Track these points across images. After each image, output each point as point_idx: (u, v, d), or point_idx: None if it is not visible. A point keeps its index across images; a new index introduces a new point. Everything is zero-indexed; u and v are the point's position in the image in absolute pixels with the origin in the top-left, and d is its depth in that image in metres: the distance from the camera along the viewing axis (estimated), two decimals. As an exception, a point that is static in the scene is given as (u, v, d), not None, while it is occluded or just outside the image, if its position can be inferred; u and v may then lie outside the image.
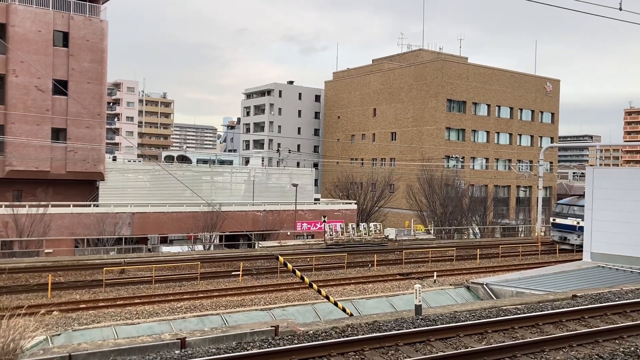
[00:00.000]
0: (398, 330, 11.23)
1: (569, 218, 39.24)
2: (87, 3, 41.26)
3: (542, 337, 11.00)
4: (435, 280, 26.16)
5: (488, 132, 71.00)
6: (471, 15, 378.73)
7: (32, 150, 38.36)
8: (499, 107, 71.91)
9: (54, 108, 39.49)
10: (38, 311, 15.65)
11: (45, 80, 38.84)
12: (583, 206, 38.59)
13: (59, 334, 15.75)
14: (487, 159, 70.72)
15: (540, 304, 15.08)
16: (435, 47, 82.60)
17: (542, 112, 76.56)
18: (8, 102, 37.85)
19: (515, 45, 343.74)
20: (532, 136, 75.49)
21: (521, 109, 74.24)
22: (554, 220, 40.90)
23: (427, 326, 11.67)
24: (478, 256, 34.02)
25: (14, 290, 22.06)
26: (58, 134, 39.97)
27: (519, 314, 13.20)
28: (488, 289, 23.05)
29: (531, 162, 73.84)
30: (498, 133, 72.02)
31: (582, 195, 42.12)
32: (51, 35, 39.36)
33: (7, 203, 36.39)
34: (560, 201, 43.63)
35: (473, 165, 69.15)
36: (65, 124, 39.97)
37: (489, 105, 70.76)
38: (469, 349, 10.24)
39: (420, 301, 13.75)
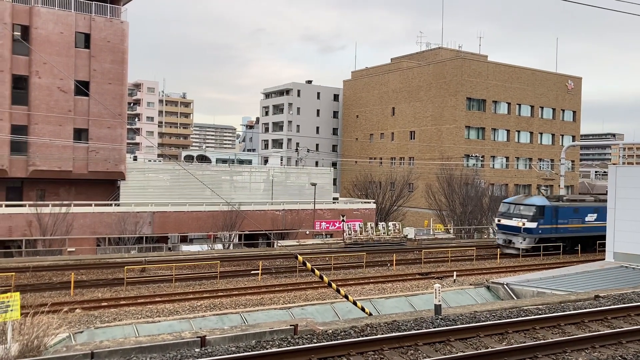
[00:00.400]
0: (417, 330, 11.19)
1: (514, 219, 35.37)
2: (108, 5, 41.77)
3: (564, 338, 10.87)
4: (454, 280, 25.99)
5: (508, 131, 70.30)
6: (491, 14, 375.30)
7: (54, 151, 38.95)
8: (520, 105, 71.15)
9: (76, 109, 40.05)
10: (61, 309, 15.88)
11: (67, 82, 39.41)
12: (530, 205, 35.30)
13: (81, 332, 15.97)
14: (507, 158, 70.03)
15: (562, 304, 14.91)
16: (455, 45, 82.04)
17: (563, 110, 75.59)
18: (31, 103, 38.50)
19: (536, 43, 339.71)
20: (553, 135, 74.58)
21: (542, 107, 73.35)
22: (498, 221, 36.99)
23: (447, 326, 11.61)
24: (498, 256, 33.71)
25: (37, 288, 22.41)
26: (80, 134, 40.54)
27: (540, 314, 13.06)
28: (509, 289, 22.83)
29: (552, 160, 72.93)
30: (518, 131, 71.27)
31: (529, 194, 39.93)
32: (73, 37, 39.92)
33: (31, 202, 37.01)
34: (505, 200, 39.44)
35: (493, 164, 68.54)
36: (87, 125, 40.52)
37: (509, 104, 70.05)
38: (490, 349, 10.16)
39: (439, 301, 13.68)
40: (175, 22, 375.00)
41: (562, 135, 75.22)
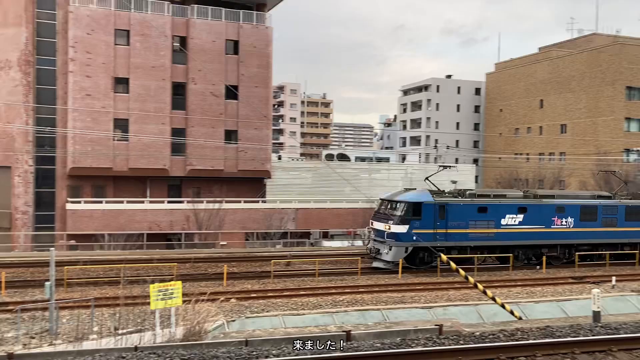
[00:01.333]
0: (574, 337, 10.44)
1: (382, 221, 27.01)
2: (254, 12, 44.17)
3: None
4: (613, 286, 23.84)
5: (678, 122, 62.91)
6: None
7: (208, 151, 42.05)
8: (692, 92, 63.28)
9: (227, 111, 42.89)
10: (217, 298, 17.08)
11: (218, 86, 42.38)
12: (400, 202, 26.61)
13: (233, 320, 17.06)
14: (676, 152, 62.66)
15: None
16: (611, 30, 75.08)
17: None
18: (188, 107, 41.93)
19: None
20: None
21: None
22: (371, 224, 28.62)
23: (608, 334, 10.69)
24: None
25: (195, 278, 24.33)
26: (230, 135, 43.37)
27: None
28: (680, 297, 20.44)
29: None
30: (691, 122, 63.47)
31: (411, 188, 29.65)
32: (223, 45, 42.81)
33: (189, 199, 40.39)
34: (383, 195, 29.72)
35: (659, 159, 61.74)
36: (236, 126, 43.25)
37: (678, 91, 62.63)
38: (661, 364, 9.19)
39: (598, 307, 12.65)
40: (317, 24, 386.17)
41: None
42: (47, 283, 15.90)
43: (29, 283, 22.47)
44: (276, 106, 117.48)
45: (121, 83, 40.12)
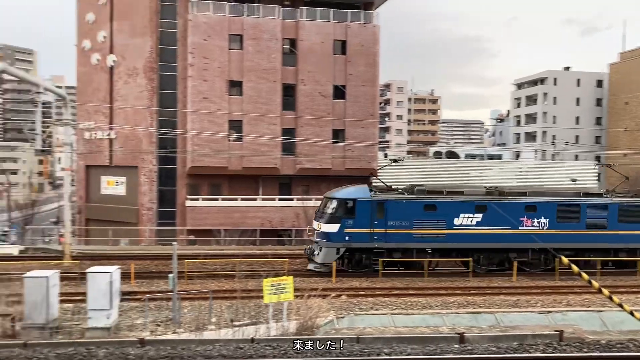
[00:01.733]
0: None
1: (316, 219, 25.18)
2: (362, 11, 44.29)
3: None
4: None
5: None
6: None
7: (316, 150, 42.83)
8: None
9: (334, 111, 43.41)
10: (328, 294, 17.36)
11: (326, 87, 43.01)
12: (333, 199, 24.33)
13: (343, 317, 17.28)
14: None
15: None
16: None
17: None
18: (298, 108, 42.97)
19: None
20: None
21: None
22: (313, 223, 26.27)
23: None
24: None
25: (305, 274, 24.92)
26: (337, 134, 43.87)
27: None
28: None
29: None
30: None
31: (351, 183, 26.42)
32: (331, 45, 43.34)
33: (298, 197, 41.43)
34: (327, 192, 26.96)
35: None
36: (343, 125, 43.65)
37: None
38: None
39: None
40: (425, 19, 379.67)
41: None
42: (170, 275, 17.02)
43: (154, 274, 24.24)
44: (383, 104, 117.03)
45: (235, 86, 41.91)
